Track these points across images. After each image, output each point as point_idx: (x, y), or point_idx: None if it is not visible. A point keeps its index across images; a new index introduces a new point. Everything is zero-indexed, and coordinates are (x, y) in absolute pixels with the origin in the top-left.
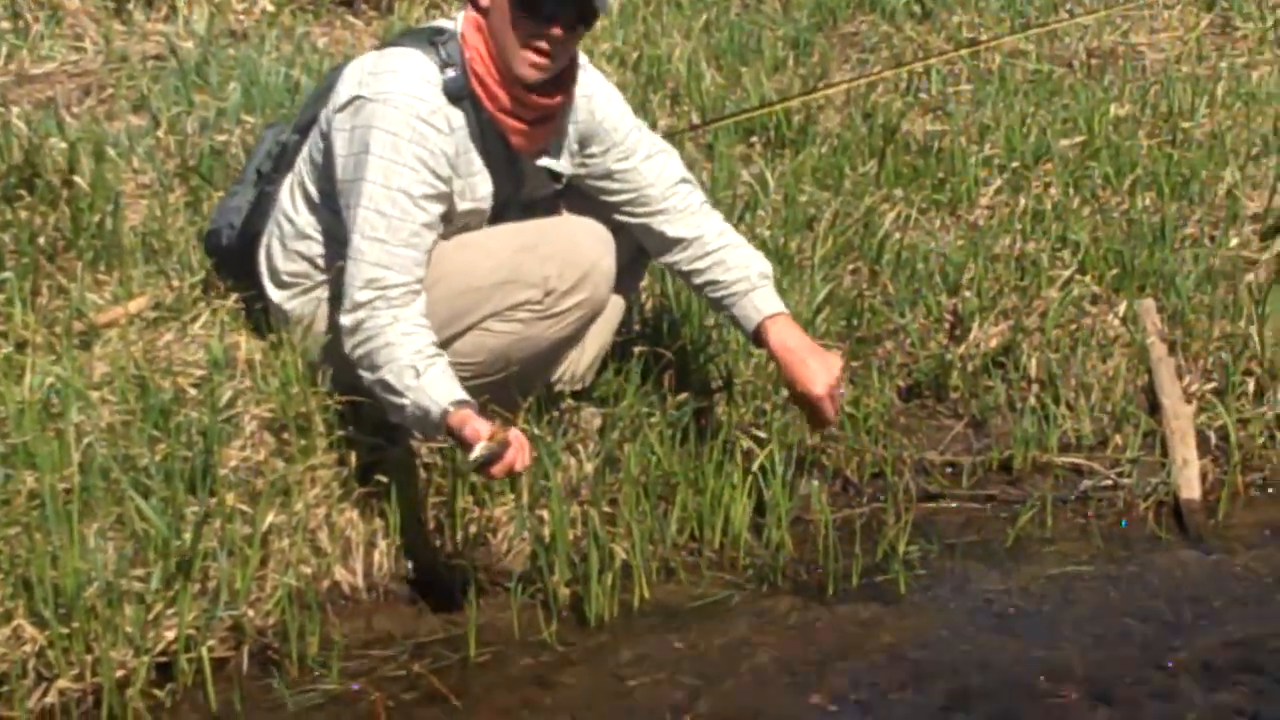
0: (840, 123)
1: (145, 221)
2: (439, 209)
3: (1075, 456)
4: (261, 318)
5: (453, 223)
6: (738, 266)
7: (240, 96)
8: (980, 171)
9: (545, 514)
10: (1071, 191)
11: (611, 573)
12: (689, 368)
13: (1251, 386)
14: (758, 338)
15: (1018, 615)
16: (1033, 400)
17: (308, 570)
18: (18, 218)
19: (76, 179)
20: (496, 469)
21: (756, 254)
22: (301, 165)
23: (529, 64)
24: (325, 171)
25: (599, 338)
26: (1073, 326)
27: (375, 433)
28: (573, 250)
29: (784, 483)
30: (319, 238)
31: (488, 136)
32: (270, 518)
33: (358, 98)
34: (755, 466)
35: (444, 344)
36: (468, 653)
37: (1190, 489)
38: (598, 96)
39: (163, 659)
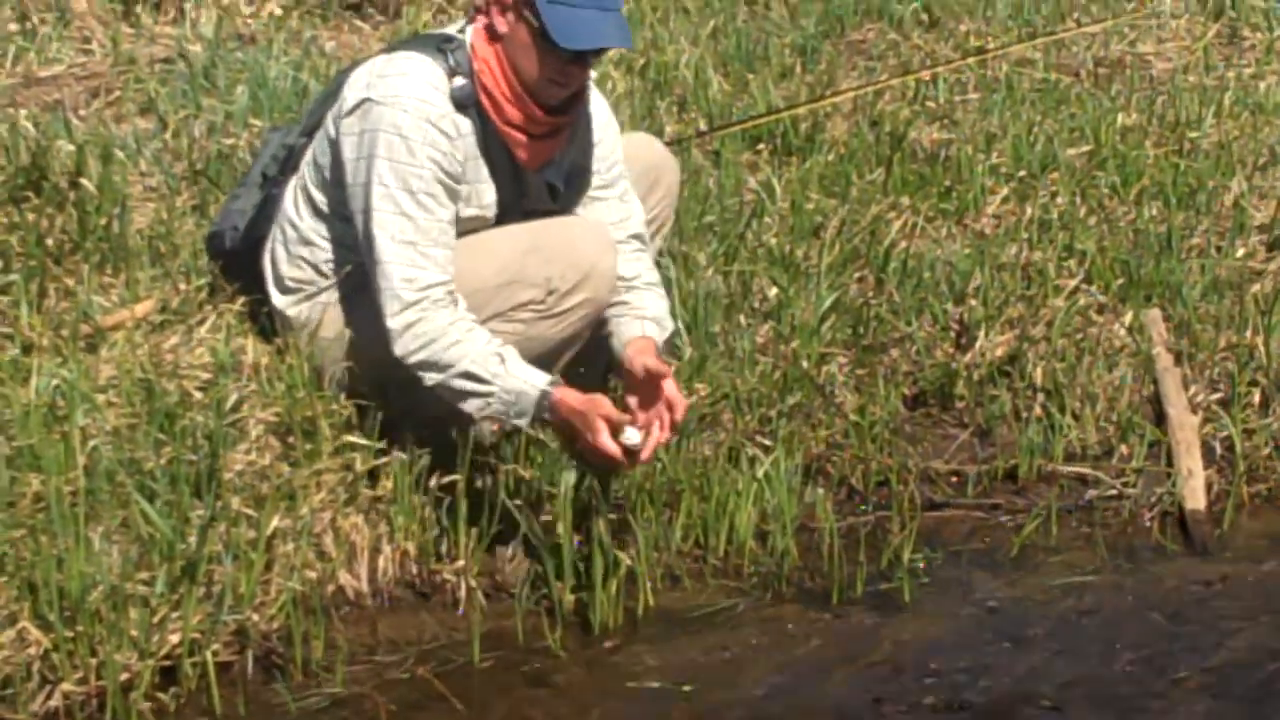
0: (847, 130)
1: (152, 224)
2: (454, 206)
3: (1081, 466)
4: (267, 321)
5: (457, 227)
6: (646, 305)
7: (248, 100)
8: (987, 180)
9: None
10: (1078, 201)
11: (616, 580)
12: (693, 375)
13: (1257, 397)
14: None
15: (1022, 624)
16: (1038, 409)
17: (312, 575)
18: (25, 220)
19: (84, 181)
20: (645, 454)
21: (667, 311)
22: (306, 169)
23: (550, 92)
24: (333, 176)
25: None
26: (1079, 336)
27: (380, 437)
28: (574, 251)
29: (789, 490)
30: (323, 244)
31: (493, 146)
32: (275, 522)
33: (366, 100)
34: (760, 474)
35: None
36: (472, 658)
37: (1195, 499)
38: (599, 121)
39: (167, 663)
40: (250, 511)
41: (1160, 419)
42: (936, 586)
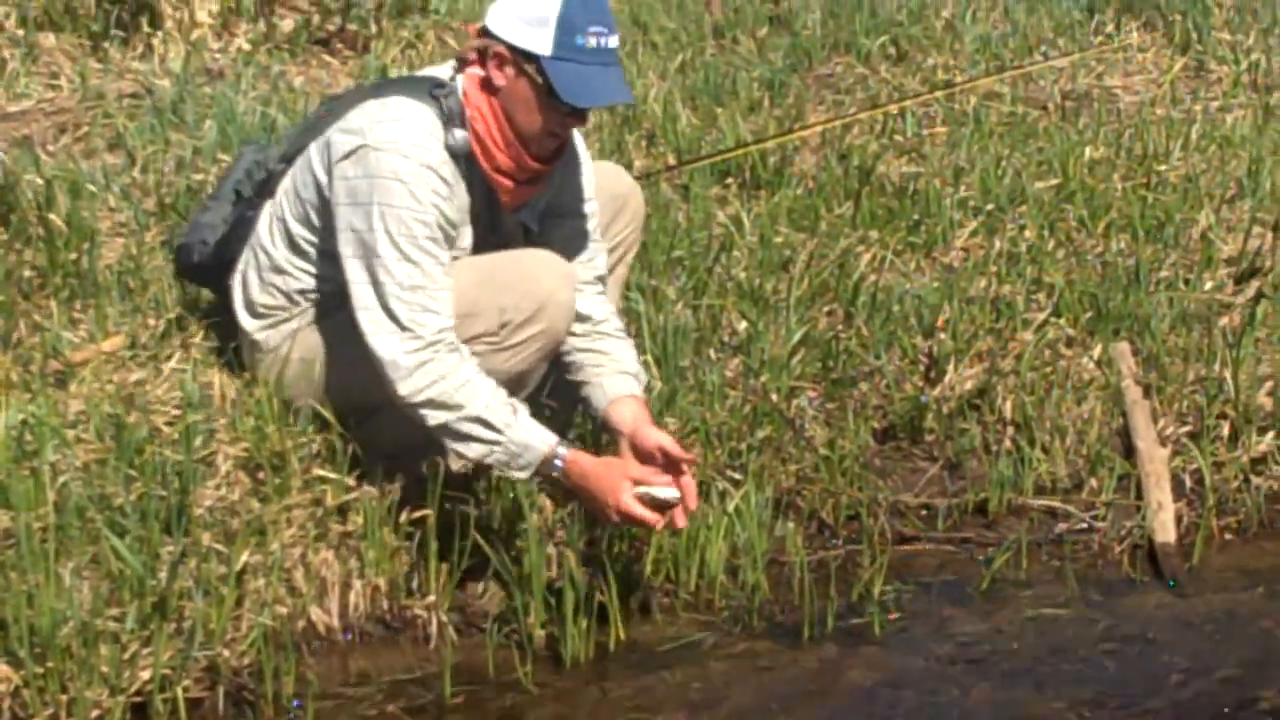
0: (816, 164)
1: (121, 260)
2: (450, 249)
3: (1050, 499)
4: (234, 355)
5: None
6: (624, 359)
7: (216, 135)
8: (955, 214)
9: (521, 554)
10: (1046, 234)
11: (587, 614)
12: (663, 409)
13: (1226, 430)
14: (607, 414)
15: (992, 658)
16: (1008, 443)
17: (283, 610)
18: None
19: (52, 217)
20: (691, 503)
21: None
22: (284, 199)
23: (546, 144)
24: (318, 215)
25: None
26: (1048, 369)
27: (350, 472)
28: (530, 281)
29: (759, 524)
30: (296, 274)
31: (475, 189)
32: (245, 557)
33: (363, 146)
34: (730, 508)
35: None
36: (443, 693)
37: (1165, 532)
38: (576, 161)
39: (138, 699)
40: (220, 547)
41: (1129, 452)
42: (907, 620)
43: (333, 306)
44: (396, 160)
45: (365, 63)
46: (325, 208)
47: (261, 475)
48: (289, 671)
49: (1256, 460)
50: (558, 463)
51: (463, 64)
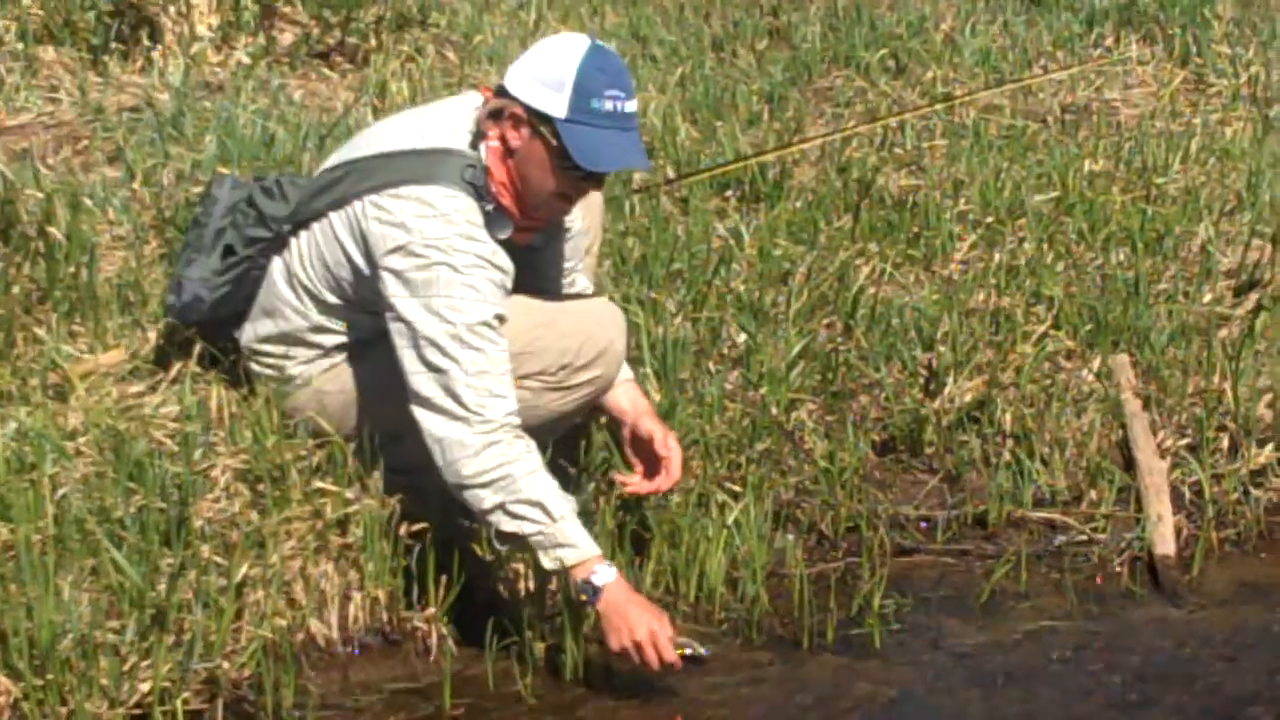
0: (815, 177)
1: (120, 273)
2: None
3: (1050, 512)
4: (234, 369)
5: None
6: None
7: (216, 148)
8: (955, 227)
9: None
10: (1046, 247)
11: (587, 626)
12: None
13: (1225, 442)
14: (605, 399)
15: (992, 670)
16: (1007, 455)
17: (283, 622)
18: None
19: (52, 230)
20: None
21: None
22: (310, 269)
23: (556, 206)
24: (354, 289)
25: None
26: (1047, 382)
27: (349, 485)
28: (595, 327)
29: (759, 537)
30: (334, 331)
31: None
32: (245, 570)
33: (411, 243)
34: (730, 520)
35: None
36: (443, 705)
37: (1164, 545)
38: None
39: (138, 711)
40: (220, 559)
41: (1129, 464)
42: (906, 632)
43: (368, 344)
44: (452, 257)
45: (365, 76)
46: (362, 283)
47: (261, 487)
48: (289, 683)
49: (1256, 472)
50: (600, 571)
51: (486, 132)
